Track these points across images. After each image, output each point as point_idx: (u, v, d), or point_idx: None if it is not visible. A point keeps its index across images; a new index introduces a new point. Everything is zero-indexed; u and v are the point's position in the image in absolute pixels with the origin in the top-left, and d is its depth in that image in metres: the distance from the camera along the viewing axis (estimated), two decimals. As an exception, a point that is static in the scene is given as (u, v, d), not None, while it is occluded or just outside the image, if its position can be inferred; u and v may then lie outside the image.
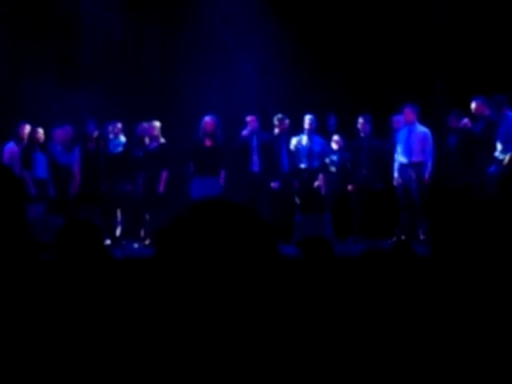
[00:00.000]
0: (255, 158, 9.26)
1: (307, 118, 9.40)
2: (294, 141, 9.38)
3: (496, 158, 8.37)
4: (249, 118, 9.31)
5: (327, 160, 9.42)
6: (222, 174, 9.05)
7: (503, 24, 9.71)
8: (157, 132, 9.22)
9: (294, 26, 10.44)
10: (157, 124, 9.26)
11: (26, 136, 8.96)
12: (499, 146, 8.34)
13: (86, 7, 10.69)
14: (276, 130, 9.35)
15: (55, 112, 9.72)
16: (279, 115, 9.38)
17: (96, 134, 9.24)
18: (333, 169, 9.42)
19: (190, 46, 10.71)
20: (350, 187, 9.30)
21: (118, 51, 10.74)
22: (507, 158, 8.27)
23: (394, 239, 8.67)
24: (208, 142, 9.11)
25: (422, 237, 8.54)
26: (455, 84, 9.67)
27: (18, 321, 1.65)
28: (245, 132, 9.31)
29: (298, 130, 9.52)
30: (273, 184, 9.13)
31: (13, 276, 1.72)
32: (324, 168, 9.41)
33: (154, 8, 10.82)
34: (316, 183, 9.33)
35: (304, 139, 9.37)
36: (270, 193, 9.17)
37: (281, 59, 10.37)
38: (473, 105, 8.60)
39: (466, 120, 8.71)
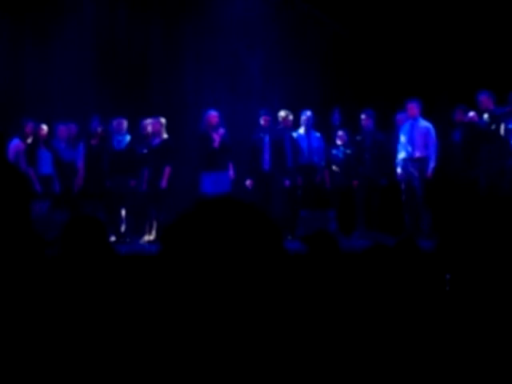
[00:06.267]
0: (266, 157, 9.19)
1: (305, 114, 9.39)
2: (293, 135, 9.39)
3: None
4: (264, 117, 9.19)
5: (333, 151, 9.42)
6: (231, 168, 9.06)
7: (509, 17, 9.68)
8: (161, 128, 9.19)
9: (299, 22, 10.43)
10: (161, 120, 9.24)
11: (30, 133, 8.96)
12: None
13: (90, 2, 10.70)
14: (280, 126, 9.32)
15: (59, 108, 9.74)
16: (283, 111, 9.34)
17: (100, 130, 9.25)
18: (335, 168, 9.41)
19: (196, 41, 10.71)
20: (354, 182, 9.29)
21: (123, 46, 10.75)
22: None
23: (399, 234, 8.65)
24: (215, 137, 9.07)
25: (425, 232, 8.51)
26: (460, 78, 9.65)
27: (23, 315, 1.65)
28: (260, 133, 9.22)
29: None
30: (286, 182, 9.10)
31: (18, 272, 1.72)
32: (328, 164, 9.43)
33: (158, 3, 10.82)
34: (319, 178, 9.35)
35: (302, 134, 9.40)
36: (278, 189, 9.13)
37: (285, 55, 10.37)
38: (478, 99, 8.57)
39: (472, 114, 8.67)
